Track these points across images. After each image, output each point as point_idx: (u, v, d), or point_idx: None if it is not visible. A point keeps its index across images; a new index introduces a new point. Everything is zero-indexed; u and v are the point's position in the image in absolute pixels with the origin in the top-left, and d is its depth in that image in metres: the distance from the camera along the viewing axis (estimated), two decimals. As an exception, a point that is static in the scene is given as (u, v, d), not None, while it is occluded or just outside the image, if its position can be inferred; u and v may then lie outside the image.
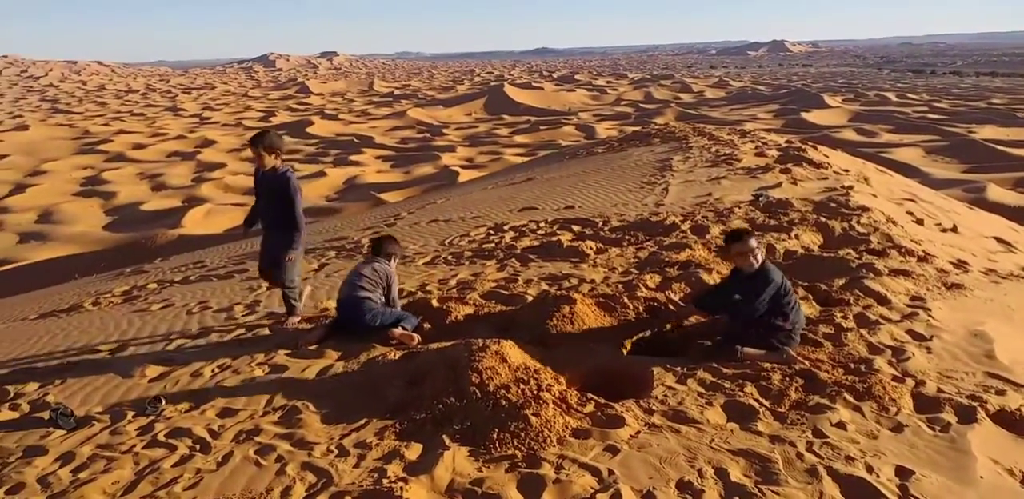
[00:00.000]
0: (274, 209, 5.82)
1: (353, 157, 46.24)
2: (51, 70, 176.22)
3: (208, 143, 53.68)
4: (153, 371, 5.13)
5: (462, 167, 38.83)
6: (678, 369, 4.69)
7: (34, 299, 10.82)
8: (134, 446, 4.03)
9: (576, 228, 9.00)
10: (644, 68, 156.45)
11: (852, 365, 4.68)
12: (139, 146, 53.25)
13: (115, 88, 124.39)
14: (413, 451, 3.83)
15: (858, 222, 8.19)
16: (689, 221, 8.72)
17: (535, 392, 4.19)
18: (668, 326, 5.54)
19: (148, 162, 47.31)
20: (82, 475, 3.75)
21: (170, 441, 4.06)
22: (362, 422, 4.20)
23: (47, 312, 8.54)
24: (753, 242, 4.91)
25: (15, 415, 4.54)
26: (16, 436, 4.24)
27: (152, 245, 25.66)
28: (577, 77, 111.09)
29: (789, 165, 12.93)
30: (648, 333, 5.40)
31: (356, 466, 3.71)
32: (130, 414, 4.42)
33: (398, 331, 5.36)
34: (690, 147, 16.78)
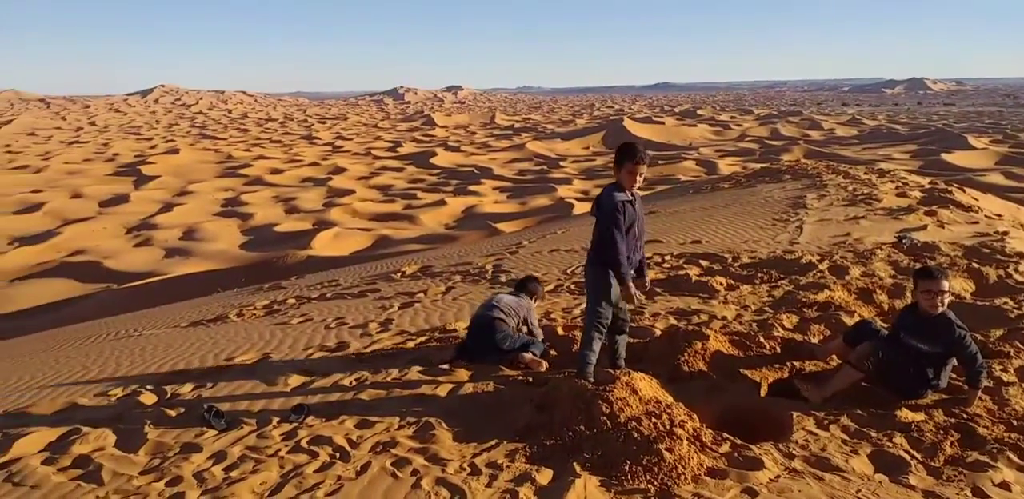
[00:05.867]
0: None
1: (472, 187, 47.38)
2: (201, 99, 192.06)
3: (339, 170, 56.51)
4: (295, 380, 5.39)
5: (577, 200, 38.92)
6: (819, 414, 4.49)
7: (182, 309, 11.63)
8: (279, 450, 4.24)
9: (704, 263, 8.82)
10: (771, 104, 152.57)
11: (1015, 422, 4.32)
12: (276, 171, 56.80)
13: (257, 116, 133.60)
14: (544, 476, 3.82)
15: (1016, 270, 7.62)
16: (827, 261, 8.34)
17: (668, 427, 4.09)
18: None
19: (283, 186, 50.35)
20: (233, 474, 3.97)
21: (312, 448, 4.24)
22: (492, 443, 4.24)
23: (196, 321, 9.18)
24: (946, 284, 4.60)
25: (172, 413, 4.86)
26: (174, 433, 4.54)
27: (283, 264, 27.02)
28: (699, 112, 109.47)
29: (934, 207, 12.21)
30: (787, 375, 5.19)
31: (488, 485, 3.74)
32: (275, 419, 4.65)
33: (528, 356, 5.41)
34: (825, 185, 16.16)
